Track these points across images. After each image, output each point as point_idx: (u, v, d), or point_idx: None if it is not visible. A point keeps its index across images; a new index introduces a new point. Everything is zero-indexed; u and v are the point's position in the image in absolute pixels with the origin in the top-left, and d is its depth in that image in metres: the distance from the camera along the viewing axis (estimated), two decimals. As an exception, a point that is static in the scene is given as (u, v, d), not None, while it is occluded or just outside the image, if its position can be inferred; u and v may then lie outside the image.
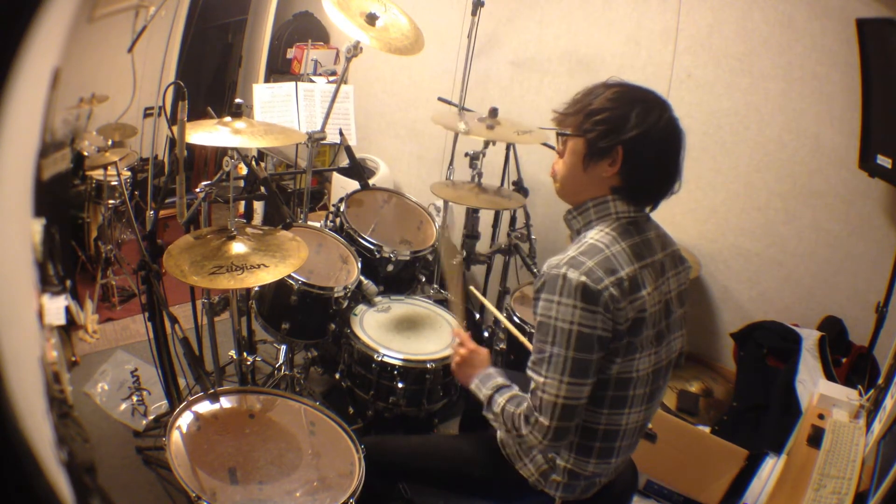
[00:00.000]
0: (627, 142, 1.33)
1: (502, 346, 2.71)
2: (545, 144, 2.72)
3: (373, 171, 3.88)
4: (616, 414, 1.42)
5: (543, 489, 1.53)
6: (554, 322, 1.31)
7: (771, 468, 2.09)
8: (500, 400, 1.45)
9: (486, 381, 1.52)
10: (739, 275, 2.90)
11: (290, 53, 4.25)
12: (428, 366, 2.17)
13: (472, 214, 2.94)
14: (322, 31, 4.33)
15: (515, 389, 1.47)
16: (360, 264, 2.40)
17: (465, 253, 2.95)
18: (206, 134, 1.82)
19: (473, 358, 1.60)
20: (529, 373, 1.37)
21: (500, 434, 1.60)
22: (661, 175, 1.39)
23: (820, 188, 2.63)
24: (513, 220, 3.00)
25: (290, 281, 2.17)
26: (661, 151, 1.36)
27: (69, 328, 2.45)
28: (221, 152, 3.49)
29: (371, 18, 2.42)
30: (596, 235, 1.37)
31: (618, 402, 1.41)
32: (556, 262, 1.33)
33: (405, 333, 2.34)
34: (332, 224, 2.62)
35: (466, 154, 2.81)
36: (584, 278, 1.28)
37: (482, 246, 3.04)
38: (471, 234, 2.95)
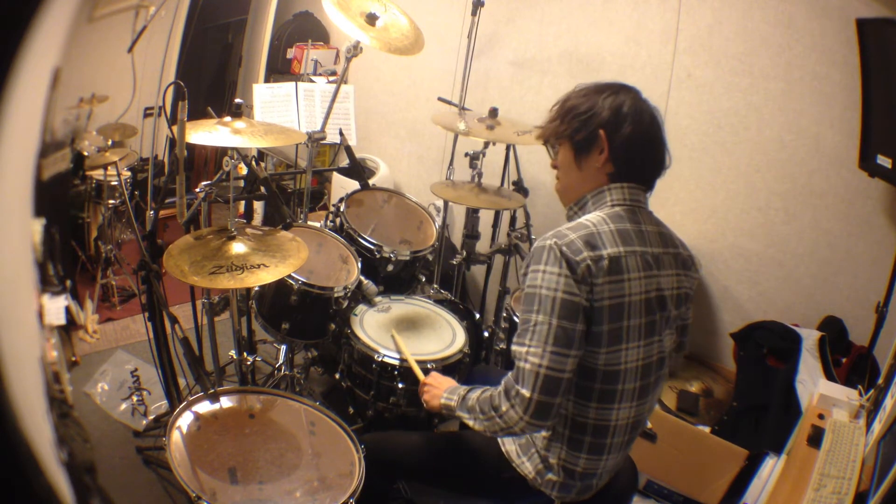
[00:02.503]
0: (606, 123, 1.41)
1: (502, 346, 2.71)
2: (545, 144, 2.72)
3: (373, 171, 3.88)
4: (605, 409, 1.43)
5: (542, 489, 1.53)
6: (539, 290, 1.34)
7: (771, 468, 2.09)
8: (473, 395, 1.50)
9: (455, 390, 1.58)
10: (739, 275, 2.90)
11: (290, 53, 4.25)
12: (428, 366, 2.17)
13: (472, 214, 2.93)
14: (322, 31, 4.34)
15: (488, 387, 1.48)
16: (360, 264, 2.40)
17: (465, 253, 2.95)
18: (206, 134, 1.81)
19: (438, 383, 1.66)
20: (514, 346, 1.38)
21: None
22: (648, 147, 1.45)
23: (820, 188, 2.63)
24: (513, 220, 3.00)
25: (290, 281, 2.17)
26: (639, 124, 1.42)
27: (69, 328, 2.45)
28: (221, 152, 3.50)
29: (371, 18, 2.42)
30: (587, 216, 1.43)
31: (606, 396, 1.42)
32: (543, 236, 1.38)
33: (405, 333, 2.33)
34: (332, 224, 2.62)
35: (466, 154, 2.80)
36: (564, 248, 1.33)
37: (482, 246, 3.04)
38: (471, 234, 2.95)
